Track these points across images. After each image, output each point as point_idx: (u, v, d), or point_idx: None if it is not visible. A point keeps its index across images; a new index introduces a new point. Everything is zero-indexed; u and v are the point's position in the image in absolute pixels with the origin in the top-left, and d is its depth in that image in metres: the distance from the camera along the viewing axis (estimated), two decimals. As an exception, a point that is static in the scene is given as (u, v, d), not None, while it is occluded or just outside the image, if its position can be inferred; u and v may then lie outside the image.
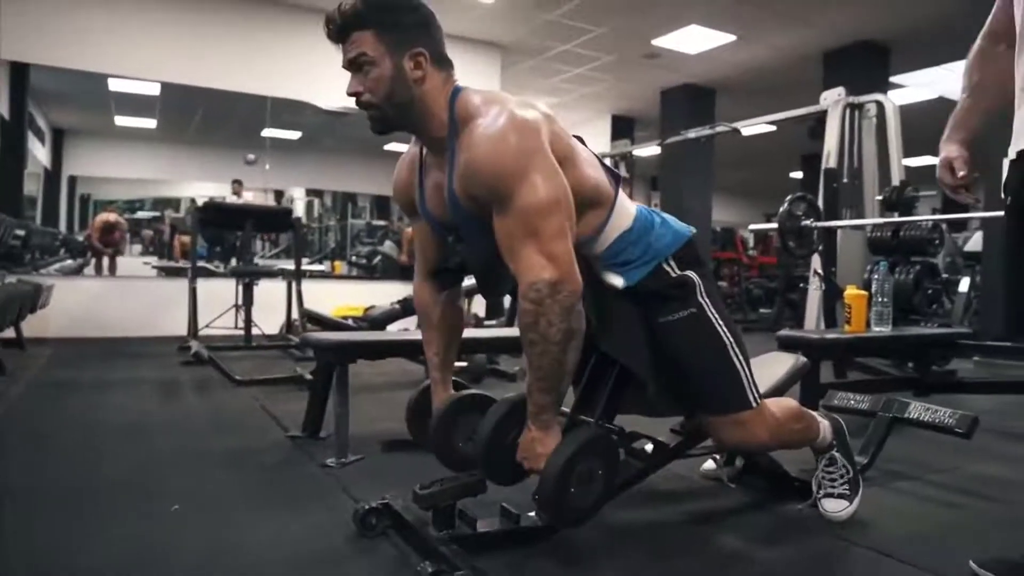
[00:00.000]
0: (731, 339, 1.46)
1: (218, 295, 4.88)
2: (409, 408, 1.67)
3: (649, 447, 1.70)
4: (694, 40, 6.56)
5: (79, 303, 5.46)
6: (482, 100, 1.31)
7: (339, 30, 1.31)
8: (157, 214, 10.07)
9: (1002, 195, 1.36)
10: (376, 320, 3.60)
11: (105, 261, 7.61)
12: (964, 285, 5.91)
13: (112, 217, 7.80)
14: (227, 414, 2.89)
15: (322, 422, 2.45)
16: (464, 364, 3.69)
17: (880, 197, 4.75)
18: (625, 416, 1.58)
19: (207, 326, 4.63)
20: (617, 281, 1.44)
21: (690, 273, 1.46)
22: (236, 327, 5.14)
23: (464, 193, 1.30)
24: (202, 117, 8.57)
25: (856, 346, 2.94)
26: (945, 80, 7.28)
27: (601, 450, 1.36)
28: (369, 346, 2.29)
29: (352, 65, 1.32)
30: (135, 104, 7.82)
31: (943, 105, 7.67)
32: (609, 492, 1.38)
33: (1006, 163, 1.33)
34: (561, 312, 1.23)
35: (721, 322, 1.47)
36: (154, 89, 6.91)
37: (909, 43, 6.45)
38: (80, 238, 7.57)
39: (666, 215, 1.55)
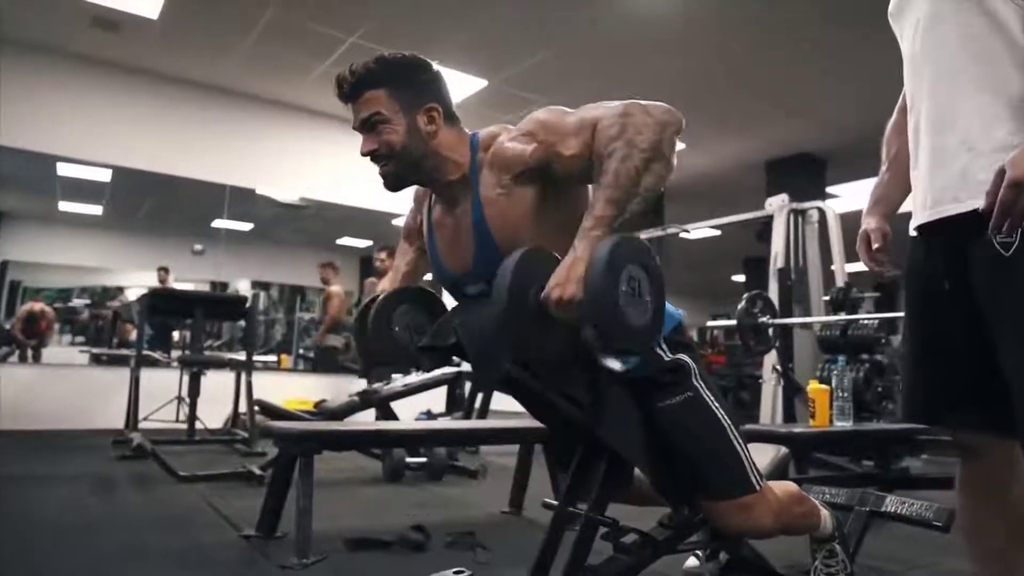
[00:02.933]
0: (728, 422, 1.44)
1: (157, 386, 4.64)
2: (356, 316, 1.54)
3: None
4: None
5: (4, 392, 5.10)
6: (500, 126, 1.35)
7: (352, 89, 1.32)
8: (90, 302, 9.68)
9: (898, 273, 1.37)
10: (335, 413, 3.45)
11: (29, 352, 7.21)
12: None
13: (38, 307, 7.48)
14: (173, 511, 2.68)
15: (279, 520, 2.29)
16: (423, 460, 3.55)
17: (827, 297, 4.94)
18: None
19: (146, 418, 4.36)
20: (615, 365, 1.41)
21: (683, 356, 1.46)
22: (177, 420, 4.89)
23: (508, 178, 1.27)
24: (152, 206, 8.43)
25: (826, 440, 2.95)
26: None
27: (645, 258, 1.17)
28: (337, 436, 2.18)
29: (365, 124, 1.33)
30: (83, 190, 7.64)
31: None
32: (658, 318, 1.20)
33: None
34: (654, 124, 1.15)
35: (717, 405, 1.45)
36: (104, 175, 6.79)
37: (843, 156, 6.93)
38: (8, 326, 7.20)
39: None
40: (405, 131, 1.31)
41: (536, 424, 2.83)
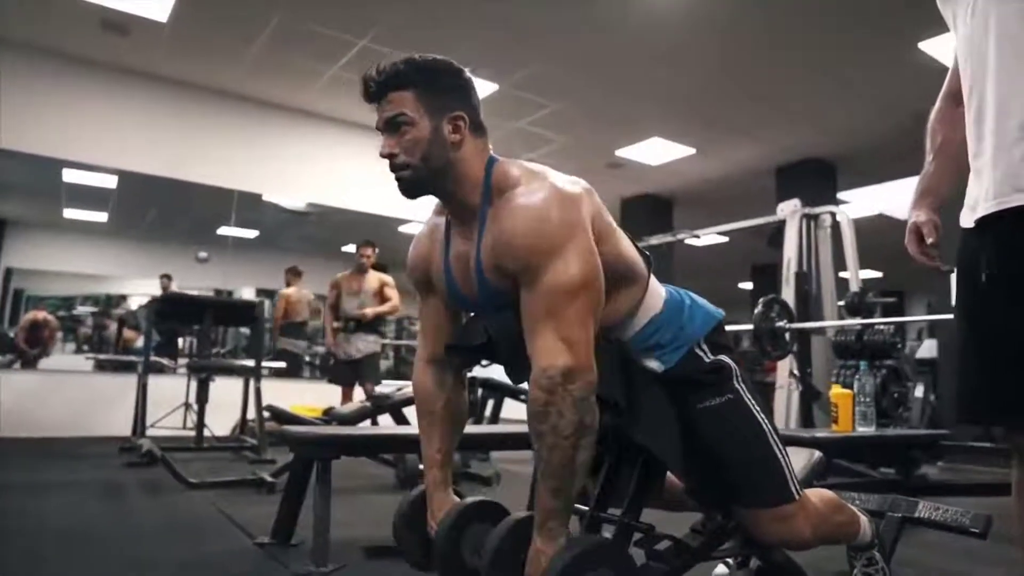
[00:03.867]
0: (769, 427, 1.39)
1: (163, 393, 4.59)
2: (400, 515, 1.45)
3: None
4: (655, 152, 6.86)
5: (7, 399, 5.05)
6: (522, 171, 1.26)
7: (379, 88, 1.26)
8: (95, 310, 9.63)
9: (952, 268, 1.29)
10: (346, 418, 3.39)
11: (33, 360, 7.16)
12: (919, 391, 6.04)
13: (41, 316, 7.43)
14: (184, 519, 2.62)
15: (294, 527, 2.24)
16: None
17: (842, 303, 4.89)
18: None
19: (153, 425, 4.31)
20: (654, 365, 1.36)
21: (724, 358, 1.40)
22: (184, 427, 4.83)
23: (492, 264, 1.23)
24: (157, 213, 8.41)
25: (852, 446, 2.89)
26: (884, 198, 7.76)
27: (608, 563, 1.18)
28: (357, 441, 2.12)
29: (388, 125, 1.26)
30: (88, 196, 7.61)
31: (883, 222, 8.14)
32: None
33: None
34: (573, 403, 1.13)
35: (758, 409, 1.40)
36: (110, 182, 6.77)
37: (853, 162, 6.89)
38: (11, 335, 7.16)
39: (695, 295, 1.50)
40: (428, 136, 1.25)
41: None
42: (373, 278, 5.12)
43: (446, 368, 1.47)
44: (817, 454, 1.81)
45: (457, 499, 1.44)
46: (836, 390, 2.91)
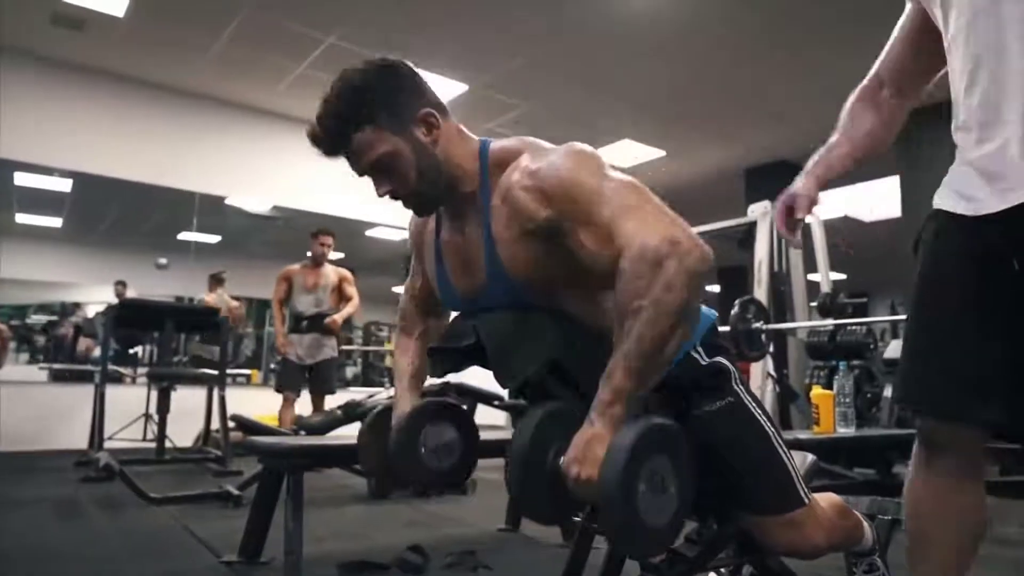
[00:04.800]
0: (772, 429, 1.33)
1: (122, 403, 4.40)
2: (366, 424, 1.40)
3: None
4: (627, 153, 6.84)
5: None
6: (521, 142, 1.20)
7: (333, 145, 1.17)
8: (53, 318, 9.31)
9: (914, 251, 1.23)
10: (316, 428, 3.27)
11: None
12: (888, 391, 6.10)
13: None
14: (146, 537, 2.48)
15: (263, 543, 2.12)
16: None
17: (814, 304, 4.90)
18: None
19: (111, 437, 4.12)
20: None
21: (721, 359, 1.34)
22: (144, 439, 4.65)
23: (518, 229, 1.13)
24: (114, 218, 8.15)
25: (834, 447, 2.87)
26: (850, 200, 7.85)
27: (673, 446, 1.05)
28: (331, 451, 2.01)
29: (371, 170, 1.18)
30: (41, 201, 7.33)
31: (848, 224, 8.24)
32: (684, 510, 1.07)
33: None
34: (688, 277, 0.98)
35: (760, 411, 1.34)
36: (64, 185, 6.52)
37: (820, 164, 6.95)
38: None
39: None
40: (411, 154, 1.16)
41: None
42: (331, 272, 4.63)
43: (427, 307, 1.45)
44: (810, 457, 1.76)
45: None
46: (817, 391, 2.89)
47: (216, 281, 6.67)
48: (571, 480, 1.00)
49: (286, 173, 6.43)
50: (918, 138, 4.86)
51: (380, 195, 1.20)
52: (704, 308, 1.42)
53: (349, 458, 2.05)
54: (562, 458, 1.02)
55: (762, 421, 1.32)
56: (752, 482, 1.28)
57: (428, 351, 1.36)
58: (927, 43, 1.25)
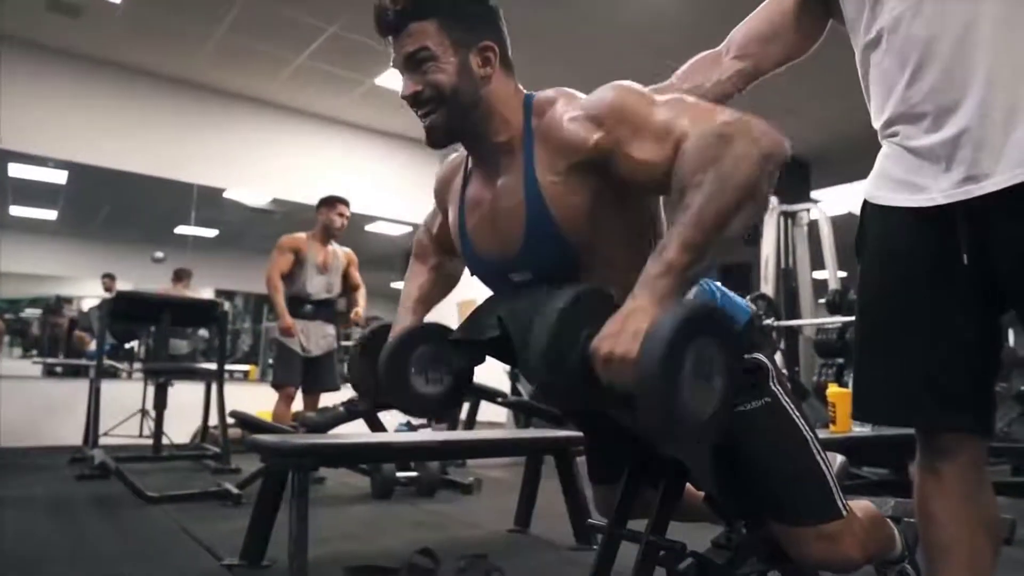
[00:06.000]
0: (811, 433, 1.25)
1: (118, 399, 4.32)
2: (359, 342, 1.34)
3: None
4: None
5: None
6: (558, 91, 1.14)
7: (397, 18, 1.09)
8: (44, 312, 9.20)
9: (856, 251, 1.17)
10: (319, 425, 3.18)
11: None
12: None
13: None
14: (143, 538, 2.40)
15: (266, 546, 2.04)
16: (414, 474, 3.31)
17: (823, 300, 4.85)
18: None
19: (106, 433, 4.04)
20: None
21: (759, 355, 1.26)
22: (141, 435, 4.57)
23: (565, 164, 1.06)
24: (110, 211, 8.04)
25: (855, 446, 2.80)
26: (854, 196, 7.79)
27: (724, 333, 0.93)
28: (338, 450, 1.93)
29: (410, 61, 1.10)
30: (36, 193, 7.22)
31: (852, 220, 8.18)
32: (725, 412, 0.93)
33: None
34: (760, 156, 0.90)
35: (798, 414, 1.26)
36: (60, 177, 6.42)
37: (827, 160, 6.89)
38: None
39: (723, 287, 1.35)
40: (456, 71, 1.09)
41: (545, 434, 2.62)
42: (340, 252, 4.03)
43: (448, 245, 1.36)
44: (840, 458, 1.68)
45: None
46: (834, 389, 2.81)
47: (178, 277, 6.41)
48: (602, 358, 0.88)
49: (286, 165, 6.35)
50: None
51: (404, 95, 1.12)
52: (739, 300, 1.34)
53: (356, 457, 1.97)
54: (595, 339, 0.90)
55: (800, 424, 1.24)
56: (787, 490, 1.21)
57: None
58: (791, 23, 1.27)
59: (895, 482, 3.03)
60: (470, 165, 1.24)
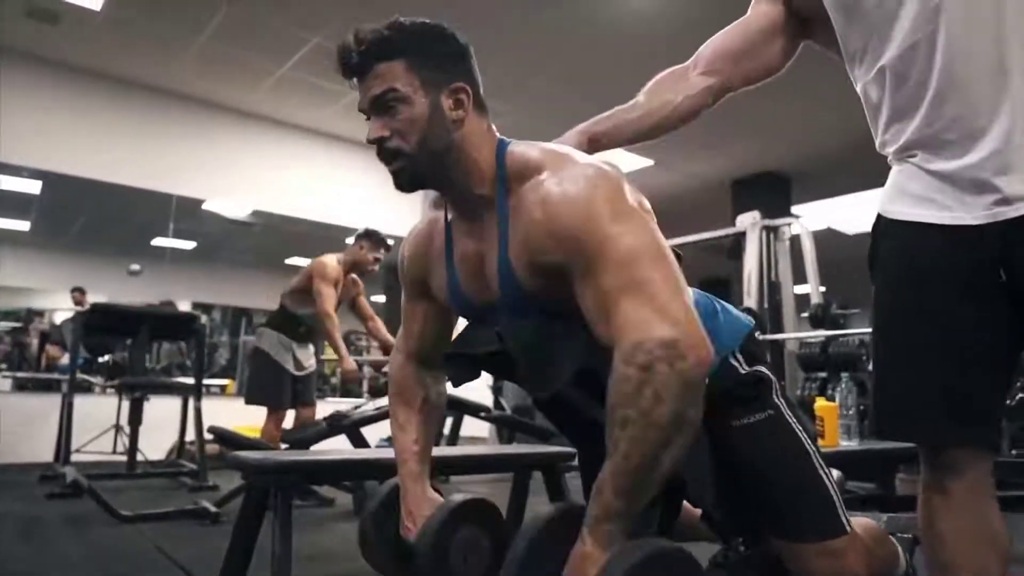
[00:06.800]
0: (813, 448, 1.23)
1: (90, 414, 4.20)
2: (369, 515, 1.26)
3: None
4: (615, 163, 6.75)
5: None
6: (543, 153, 1.07)
7: (361, 60, 1.06)
8: (17, 324, 8.99)
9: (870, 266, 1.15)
10: (300, 440, 3.12)
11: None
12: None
13: None
14: (116, 559, 2.31)
15: (247, 567, 1.96)
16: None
17: (806, 314, 4.86)
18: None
19: (78, 450, 3.92)
20: None
21: (761, 368, 1.24)
22: (114, 451, 4.45)
23: (527, 261, 1.03)
24: (86, 222, 7.89)
25: (844, 460, 2.79)
26: (834, 212, 7.89)
27: (674, 571, 0.96)
28: (324, 467, 1.87)
29: (376, 104, 1.06)
30: (8, 203, 7.06)
31: (831, 236, 8.27)
32: None
33: None
34: (680, 386, 0.90)
35: (800, 427, 1.24)
36: (33, 187, 6.28)
37: (807, 176, 6.97)
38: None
39: (723, 302, 1.33)
40: (426, 114, 1.05)
41: (533, 449, 2.57)
42: (352, 282, 3.86)
43: (427, 365, 1.32)
44: (836, 473, 1.66)
45: (438, 496, 1.24)
46: (822, 403, 2.81)
47: (80, 292, 6.26)
48: None
49: (267, 177, 6.28)
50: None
51: (370, 139, 1.08)
52: (740, 314, 1.33)
53: (342, 473, 1.92)
54: None
55: (803, 439, 1.23)
56: (791, 505, 1.19)
57: (444, 357, 1.24)
58: (765, 42, 1.25)
59: (881, 496, 3.02)
60: (449, 220, 1.19)
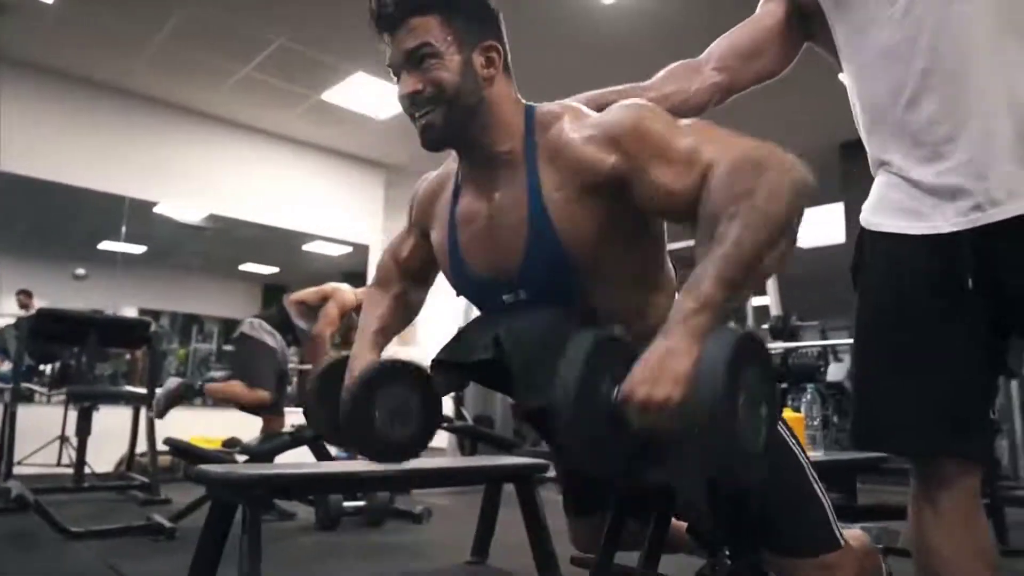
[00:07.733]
0: (806, 460, 1.23)
1: (33, 425, 3.99)
2: (313, 383, 1.22)
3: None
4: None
5: None
6: (563, 106, 1.10)
7: (396, 12, 1.03)
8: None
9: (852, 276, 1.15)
10: (260, 453, 3.00)
11: None
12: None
13: None
14: (66, 579, 2.18)
15: (210, 587, 1.87)
16: (361, 504, 3.16)
17: (766, 326, 4.95)
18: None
19: (20, 462, 3.72)
20: None
21: (752, 380, 1.23)
22: (59, 464, 4.25)
23: (578, 183, 1.01)
24: (29, 224, 7.56)
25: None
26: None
27: (765, 358, 0.93)
28: (294, 481, 1.79)
29: (410, 58, 1.04)
30: (-56, 205, 6.74)
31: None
32: (775, 432, 0.98)
33: None
34: (792, 189, 0.87)
35: (793, 439, 1.23)
36: (-28, 187, 6.00)
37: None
38: None
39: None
40: (459, 69, 1.03)
41: (506, 461, 2.53)
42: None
43: (414, 272, 1.33)
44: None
45: None
46: (789, 414, 2.83)
47: (27, 295, 6.06)
48: (639, 405, 0.83)
49: (224, 181, 6.14)
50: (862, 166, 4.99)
51: (403, 94, 1.05)
52: (731, 323, 1.32)
53: (312, 487, 1.85)
54: (620, 386, 0.85)
55: (795, 451, 1.22)
56: (784, 519, 1.17)
57: (432, 363, 1.20)
58: (772, 42, 1.26)
59: (846, 507, 3.05)
60: (460, 178, 1.17)
